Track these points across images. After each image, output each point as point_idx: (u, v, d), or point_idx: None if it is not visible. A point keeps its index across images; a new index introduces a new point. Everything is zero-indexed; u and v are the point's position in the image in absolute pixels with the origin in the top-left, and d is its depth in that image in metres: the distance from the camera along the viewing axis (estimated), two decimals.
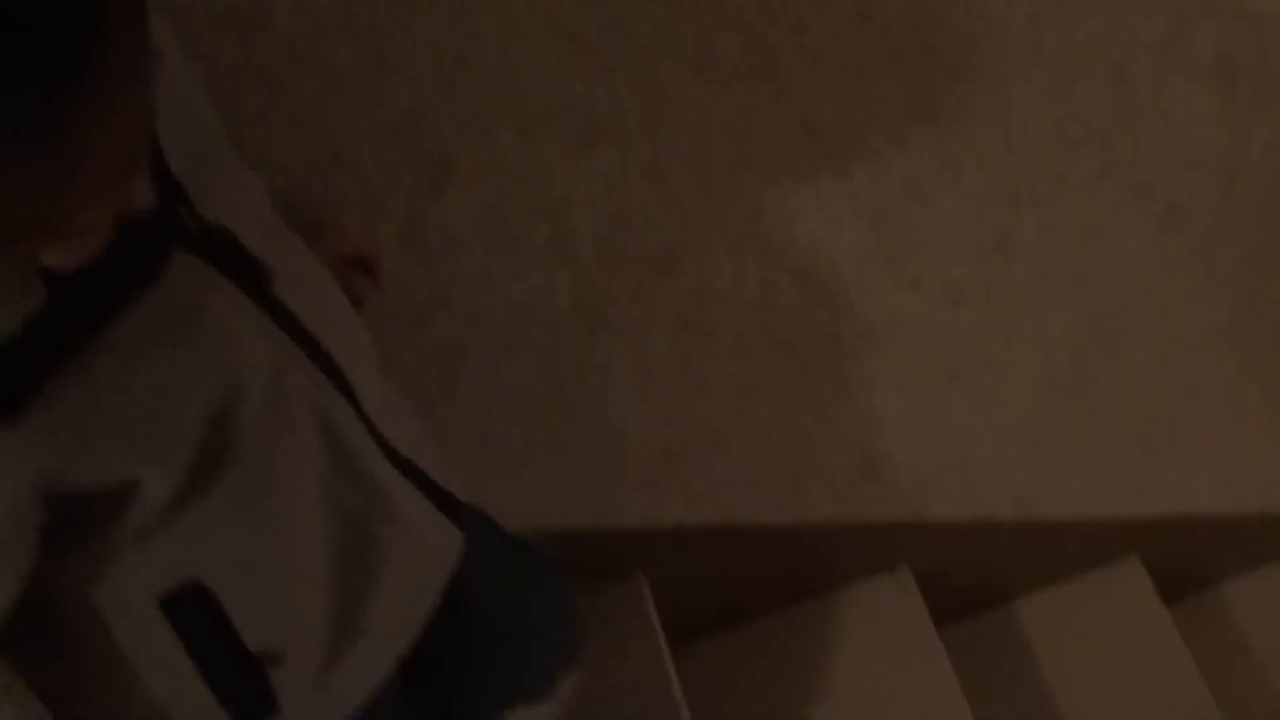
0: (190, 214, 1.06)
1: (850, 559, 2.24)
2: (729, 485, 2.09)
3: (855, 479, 2.13)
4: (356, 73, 1.51)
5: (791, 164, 1.76)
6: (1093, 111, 1.81)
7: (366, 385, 1.24)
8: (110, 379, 1.01)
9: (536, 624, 1.61)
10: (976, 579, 2.32)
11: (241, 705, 1.24)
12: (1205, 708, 2.25)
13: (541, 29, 1.52)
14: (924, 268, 1.91)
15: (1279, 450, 2.31)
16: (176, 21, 1.38)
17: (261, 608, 1.20)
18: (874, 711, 2.19)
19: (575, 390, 1.92)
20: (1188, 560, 2.35)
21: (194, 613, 1.16)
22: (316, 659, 1.26)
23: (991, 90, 1.75)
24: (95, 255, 0.90)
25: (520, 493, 2.01)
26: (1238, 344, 2.18)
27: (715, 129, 1.70)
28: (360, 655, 1.29)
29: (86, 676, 1.22)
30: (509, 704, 1.69)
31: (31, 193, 0.80)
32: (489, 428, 1.93)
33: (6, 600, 1.08)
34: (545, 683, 1.72)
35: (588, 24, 1.56)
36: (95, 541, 1.10)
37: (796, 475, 2.10)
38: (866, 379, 2.02)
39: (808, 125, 1.73)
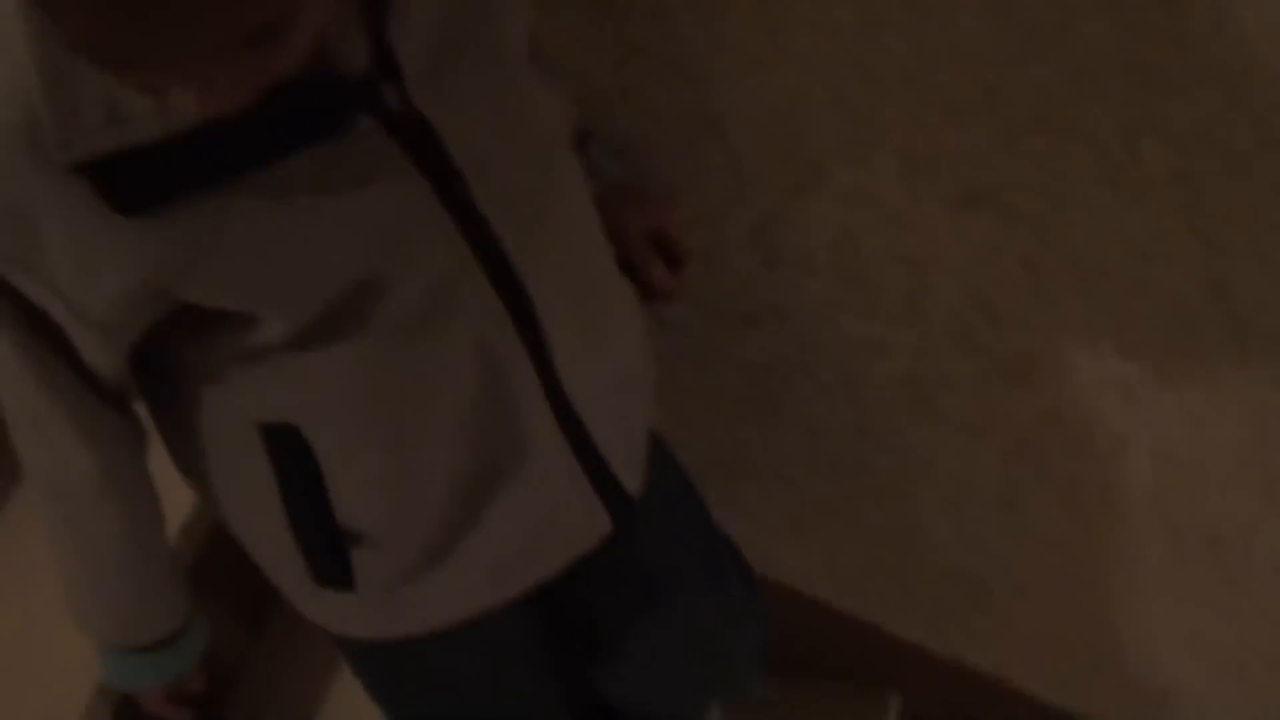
0: (398, 93, 1.03)
1: None
2: (1017, 640, 1.90)
3: (1157, 704, 1.88)
4: (747, 37, 1.46)
5: (1187, 323, 1.57)
6: None
7: (572, 341, 1.19)
8: (247, 219, 1.00)
9: (720, 617, 1.53)
10: None
11: (320, 565, 1.23)
12: None
13: (948, 59, 1.41)
14: None
15: None
16: None
17: (356, 485, 1.18)
18: None
19: (886, 467, 1.80)
20: None
21: (290, 456, 1.15)
22: (400, 562, 1.23)
23: None
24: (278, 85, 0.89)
25: (799, 550, 1.91)
26: None
27: (1115, 246, 1.53)
28: (445, 581, 1.25)
29: (205, 462, 1.24)
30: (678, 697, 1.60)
31: None
32: (790, 470, 1.83)
33: (112, 368, 1.12)
34: (725, 680, 1.62)
35: (1002, 72, 1.43)
36: (214, 347, 1.11)
37: (1091, 668, 1.88)
38: (1205, 598, 1.77)
39: (1219, 287, 1.53)
